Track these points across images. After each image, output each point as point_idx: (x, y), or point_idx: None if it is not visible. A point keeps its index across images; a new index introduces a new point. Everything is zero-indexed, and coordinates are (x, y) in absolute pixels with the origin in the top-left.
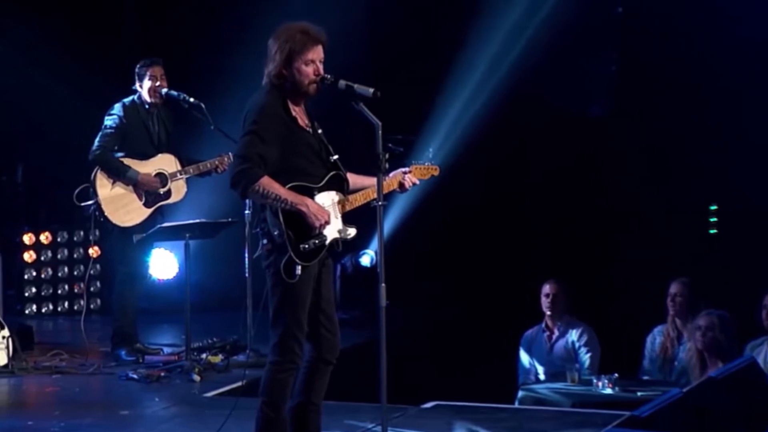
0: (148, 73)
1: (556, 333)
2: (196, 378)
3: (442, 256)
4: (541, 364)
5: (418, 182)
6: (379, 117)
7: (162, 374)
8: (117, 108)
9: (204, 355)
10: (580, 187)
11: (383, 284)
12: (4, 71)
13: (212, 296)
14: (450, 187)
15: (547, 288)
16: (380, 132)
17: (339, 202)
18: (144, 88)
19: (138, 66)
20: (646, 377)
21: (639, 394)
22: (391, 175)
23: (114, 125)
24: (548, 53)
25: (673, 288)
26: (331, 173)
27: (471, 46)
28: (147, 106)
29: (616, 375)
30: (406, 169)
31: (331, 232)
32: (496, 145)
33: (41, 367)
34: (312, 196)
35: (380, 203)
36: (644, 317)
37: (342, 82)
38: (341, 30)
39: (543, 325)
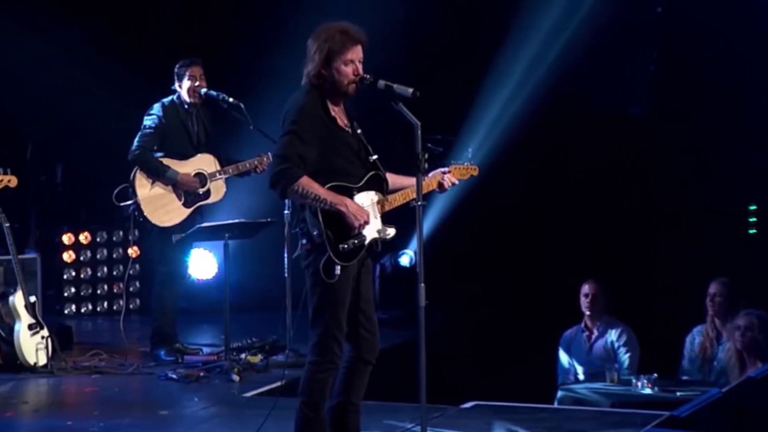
0: (187, 73)
1: (596, 333)
2: (236, 378)
3: (481, 256)
4: (580, 363)
5: (457, 182)
6: (418, 117)
7: (201, 374)
8: (156, 108)
9: (243, 355)
10: (619, 186)
11: (422, 284)
12: (44, 71)
13: (251, 296)
14: (489, 187)
15: (586, 288)
16: (419, 132)
17: (378, 202)
18: (183, 88)
19: (177, 66)
20: (685, 377)
21: (678, 394)
22: (430, 175)
23: (153, 125)
24: (587, 53)
25: (713, 288)
26: (371, 173)
27: (510, 45)
28: (186, 106)
29: (656, 375)
30: (446, 169)
31: (371, 232)
32: (535, 144)
33: (80, 367)
34: (351, 196)
35: (419, 203)
36: (683, 317)
37: (381, 82)
38: (380, 30)
39: (582, 325)
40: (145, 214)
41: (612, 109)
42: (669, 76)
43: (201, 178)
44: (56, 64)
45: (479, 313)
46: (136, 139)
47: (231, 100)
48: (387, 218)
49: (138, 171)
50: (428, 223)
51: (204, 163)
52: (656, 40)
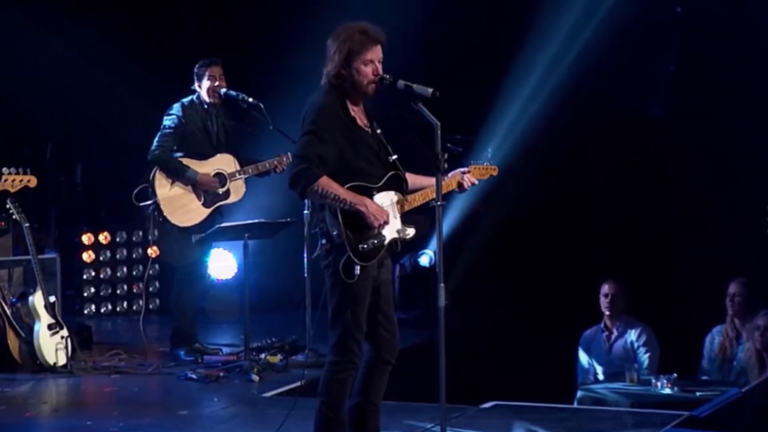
0: (207, 73)
1: (615, 333)
2: (255, 378)
3: (501, 256)
4: (600, 364)
5: (476, 182)
6: (438, 117)
7: (221, 374)
8: (176, 108)
9: (263, 355)
10: (638, 186)
11: (442, 284)
12: (64, 71)
13: (271, 296)
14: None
15: (606, 288)
16: (439, 132)
17: (398, 202)
18: (203, 88)
19: (197, 66)
20: (704, 377)
21: (698, 394)
22: (450, 175)
23: (173, 125)
24: (608, 53)
25: (732, 288)
26: (390, 173)
27: (530, 45)
28: (206, 106)
29: (675, 375)
30: (465, 169)
31: (390, 232)
32: (555, 144)
33: (100, 367)
34: (371, 196)
35: (439, 203)
36: (703, 317)
37: (401, 82)
38: (400, 30)
39: (602, 325)
40: (164, 214)
41: (633, 108)
42: (689, 76)
43: (221, 178)
44: (76, 63)
45: (499, 313)
46: (156, 138)
47: (251, 99)
48: (406, 218)
49: (158, 171)
50: (448, 222)
51: (224, 163)
52: (676, 40)
